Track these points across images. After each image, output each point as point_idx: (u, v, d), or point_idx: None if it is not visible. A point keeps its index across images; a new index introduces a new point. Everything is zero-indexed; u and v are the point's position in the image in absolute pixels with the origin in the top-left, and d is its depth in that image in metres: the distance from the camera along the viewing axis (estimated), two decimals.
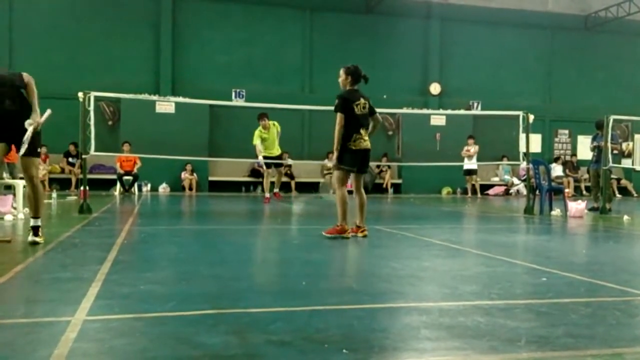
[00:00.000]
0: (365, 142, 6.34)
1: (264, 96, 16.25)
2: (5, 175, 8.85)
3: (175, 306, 3.08)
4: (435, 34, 19.33)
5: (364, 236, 6.30)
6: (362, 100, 6.35)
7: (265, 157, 12.11)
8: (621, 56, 20.75)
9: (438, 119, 18.33)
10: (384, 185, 18.27)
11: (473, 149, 17.02)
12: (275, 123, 12.51)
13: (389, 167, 18.29)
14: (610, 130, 10.90)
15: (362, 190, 6.54)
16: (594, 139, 11.78)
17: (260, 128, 12.20)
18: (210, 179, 17.44)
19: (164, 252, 5.31)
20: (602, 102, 19.21)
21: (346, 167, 6.28)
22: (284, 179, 15.70)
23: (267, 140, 12.21)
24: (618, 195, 18.35)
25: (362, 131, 6.30)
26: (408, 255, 5.28)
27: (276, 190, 12.77)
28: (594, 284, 3.93)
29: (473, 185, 17.72)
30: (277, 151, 12.42)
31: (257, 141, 12.09)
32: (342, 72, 6.58)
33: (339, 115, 6.17)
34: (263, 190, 13.37)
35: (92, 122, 9.41)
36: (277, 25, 18.40)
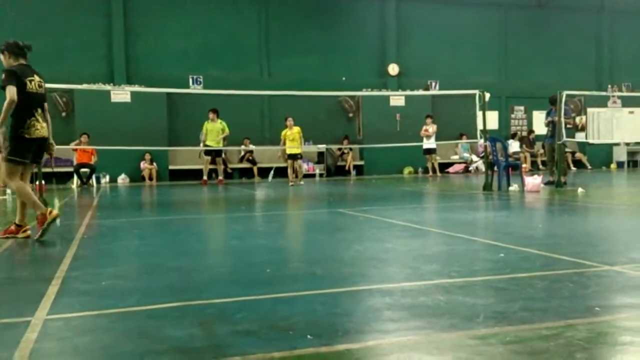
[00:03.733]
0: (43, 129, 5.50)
1: (222, 82, 16.10)
2: None
3: (138, 300, 3.06)
4: (391, 14, 19.40)
5: (27, 237, 5.47)
6: (36, 77, 5.57)
7: (205, 146, 15.14)
8: (572, 33, 21.25)
9: (397, 99, 18.49)
10: (346, 168, 18.38)
11: (431, 128, 17.24)
12: (223, 122, 15.19)
13: (350, 149, 18.39)
14: (563, 106, 11.20)
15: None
16: (548, 114, 12.09)
17: (208, 120, 15.38)
18: (171, 167, 17.22)
19: (125, 245, 5.24)
20: (556, 77, 19.70)
21: (20, 159, 5.43)
22: (246, 164, 17.77)
23: (211, 132, 15.25)
24: (573, 169, 18.91)
25: (37, 115, 5.47)
26: (370, 238, 5.34)
27: (220, 177, 15.53)
28: (549, 258, 4.06)
29: (433, 164, 17.99)
30: (216, 144, 15.21)
31: (203, 130, 15.36)
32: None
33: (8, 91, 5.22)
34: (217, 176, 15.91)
35: None
36: (233, 10, 18.17)
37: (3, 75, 5.36)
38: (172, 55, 17.46)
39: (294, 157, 14.56)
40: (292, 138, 14.38)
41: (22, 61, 5.60)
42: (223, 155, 16.09)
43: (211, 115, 15.30)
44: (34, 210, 5.48)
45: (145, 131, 15.19)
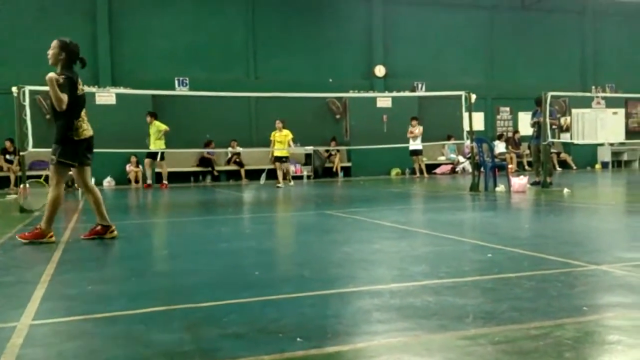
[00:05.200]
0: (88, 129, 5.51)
1: (209, 84, 16.05)
2: None
3: (125, 304, 3.03)
4: (378, 16, 19.45)
5: (113, 237, 5.49)
6: (80, 81, 5.61)
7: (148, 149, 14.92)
8: (557, 34, 21.45)
9: (384, 101, 18.54)
10: (334, 169, 18.38)
11: (417, 130, 17.32)
12: (158, 124, 14.82)
13: (337, 150, 18.40)
14: (548, 107, 11.29)
15: (92, 185, 5.71)
16: (533, 115, 12.19)
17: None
18: (158, 170, 17.07)
19: (111, 249, 5.19)
20: (541, 79, 19.87)
21: (70, 162, 5.41)
22: (233, 167, 17.72)
23: (150, 135, 14.89)
24: (558, 169, 19.07)
25: (84, 115, 5.54)
26: (359, 239, 5.34)
27: (164, 181, 15.14)
28: (536, 258, 4.08)
29: (420, 165, 18.05)
30: (152, 146, 14.80)
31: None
32: (56, 44, 5.59)
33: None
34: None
35: (28, 117, 9.06)
36: (219, 11, 18.11)
37: (61, 80, 5.30)
38: (157, 57, 17.35)
39: (279, 159, 14.56)
40: (280, 140, 14.37)
41: (71, 64, 5.59)
42: (159, 158, 15.20)
43: (148, 118, 14.96)
44: (44, 222, 5.34)
45: (130, 133, 15.07)
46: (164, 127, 14.81)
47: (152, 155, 15.06)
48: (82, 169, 5.59)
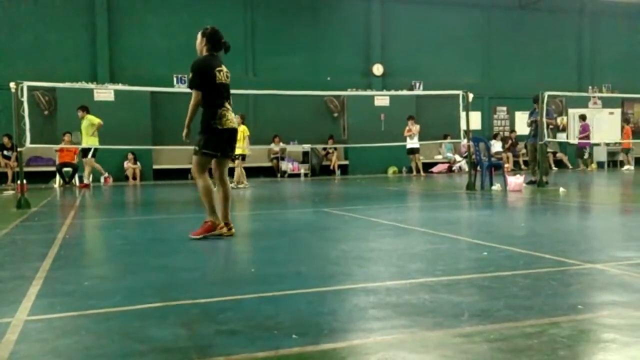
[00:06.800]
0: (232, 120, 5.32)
1: None
2: None
3: (121, 301, 3.03)
4: (376, 14, 19.44)
5: (231, 234, 5.30)
6: (224, 67, 5.39)
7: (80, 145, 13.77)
8: (554, 33, 21.46)
9: (382, 99, 18.54)
10: (331, 167, 18.38)
11: (414, 128, 17.32)
12: (91, 117, 13.66)
13: (335, 148, 18.40)
14: (545, 106, 11.30)
15: (227, 179, 5.51)
16: (531, 114, 12.20)
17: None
18: (155, 167, 17.08)
19: (108, 245, 5.19)
20: (538, 78, 19.88)
21: (213, 152, 5.26)
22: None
23: (82, 130, 13.75)
24: (554, 168, 19.10)
25: (228, 105, 5.32)
26: (356, 237, 5.35)
27: (85, 180, 14.02)
28: (532, 256, 4.09)
29: (417, 164, 18.06)
30: (84, 142, 13.52)
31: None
32: (198, 34, 5.54)
33: (193, 93, 5.23)
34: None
35: (26, 113, 9.03)
36: (218, 9, 18.05)
37: (191, 75, 5.24)
38: (156, 54, 17.31)
39: (237, 157, 12.72)
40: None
41: (213, 52, 5.39)
42: (90, 155, 14.03)
43: (79, 113, 13.79)
44: (207, 214, 5.22)
45: (128, 130, 15.03)
46: (97, 120, 13.66)
47: (86, 152, 13.85)
48: (222, 160, 5.38)
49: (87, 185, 13.90)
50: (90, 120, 13.67)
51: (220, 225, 5.21)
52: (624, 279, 3.38)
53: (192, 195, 11.82)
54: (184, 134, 5.25)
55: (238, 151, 13.13)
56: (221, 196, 5.34)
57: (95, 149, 13.75)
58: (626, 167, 19.00)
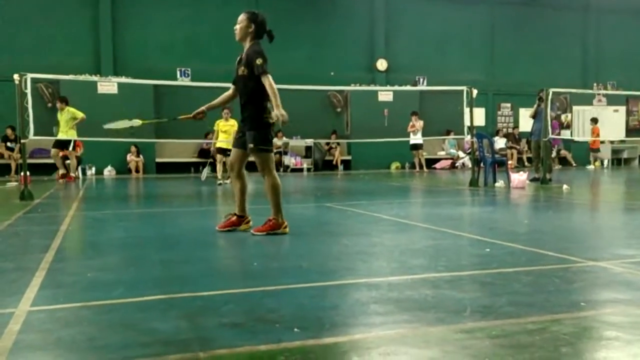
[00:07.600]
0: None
1: (210, 75, 15.95)
2: None
3: (123, 292, 3.04)
4: (380, 10, 19.40)
5: (247, 228, 5.22)
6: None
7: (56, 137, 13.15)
8: (559, 30, 21.40)
9: (385, 95, 18.52)
10: (334, 162, 18.38)
11: (418, 124, 17.29)
12: (73, 110, 13.20)
13: (338, 144, 18.39)
14: (549, 103, 11.27)
15: (244, 173, 5.34)
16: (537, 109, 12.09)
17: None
18: (158, 160, 17.11)
19: (111, 237, 5.19)
20: (542, 75, 19.83)
21: (270, 147, 5.08)
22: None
23: (61, 123, 13.19)
24: (558, 166, 19.06)
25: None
26: (358, 232, 5.35)
27: (71, 173, 13.82)
28: (534, 253, 4.09)
29: (420, 160, 18.06)
30: (63, 135, 12.98)
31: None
32: (244, 17, 5.24)
33: (268, 77, 5.00)
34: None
35: (29, 105, 9.04)
36: (222, 2, 18.03)
37: (259, 60, 4.97)
38: (159, 47, 17.33)
39: (223, 151, 12.38)
40: (225, 130, 12.36)
41: (257, 39, 5.19)
42: (71, 148, 13.82)
43: (58, 104, 13.38)
44: (272, 211, 5.02)
45: None
46: (81, 114, 13.14)
47: (60, 145, 13.41)
48: (246, 153, 5.16)
49: (71, 178, 13.68)
50: (73, 114, 13.21)
51: (284, 225, 5.06)
52: (626, 277, 3.37)
53: (194, 189, 11.84)
54: (281, 119, 4.80)
55: (229, 145, 12.90)
56: (238, 189, 5.24)
57: (75, 141, 13.51)
58: (591, 166, 18.94)
